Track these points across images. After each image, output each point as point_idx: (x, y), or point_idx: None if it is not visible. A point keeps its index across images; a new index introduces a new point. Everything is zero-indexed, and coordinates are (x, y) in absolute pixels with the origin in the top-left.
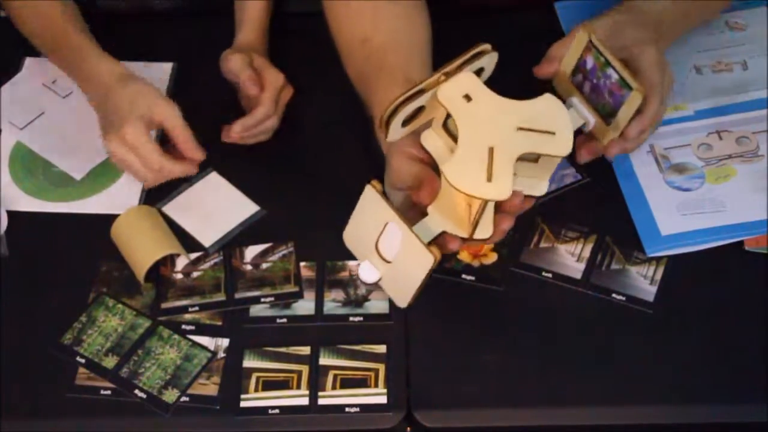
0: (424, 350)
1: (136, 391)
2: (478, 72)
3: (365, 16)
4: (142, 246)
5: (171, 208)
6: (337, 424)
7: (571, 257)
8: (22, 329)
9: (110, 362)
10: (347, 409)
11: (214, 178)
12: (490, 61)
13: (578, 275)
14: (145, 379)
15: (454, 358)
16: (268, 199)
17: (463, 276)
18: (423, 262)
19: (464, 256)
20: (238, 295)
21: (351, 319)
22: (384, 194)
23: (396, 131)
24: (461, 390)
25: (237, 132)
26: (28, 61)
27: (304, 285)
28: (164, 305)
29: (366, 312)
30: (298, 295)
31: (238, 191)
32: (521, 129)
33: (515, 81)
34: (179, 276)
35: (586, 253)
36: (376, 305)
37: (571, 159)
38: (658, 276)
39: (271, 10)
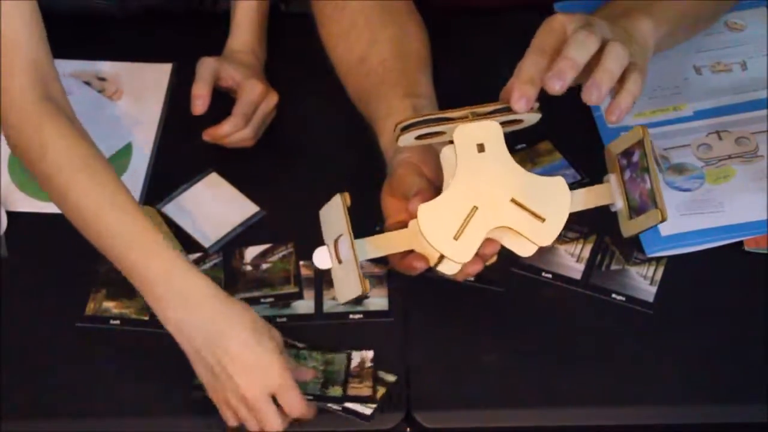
0: (423, 351)
1: None
2: (512, 122)
3: (360, 33)
4: None
5: (171, 209)
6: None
7: (570, 258)
8: (22, 329)
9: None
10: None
11: (214, 179)
12: (530, 118)
13: (578, 276)
14: None
15: (453, 359)
16: (268, 199)
17: None
18: (354, 287)
19: None
20: (238, 296)
21: (351, 316)
22: (348, 209)
23: (408, 140)
24: (461, 390)
25: (206, 138)
26: None
27: (304, 284)
28: None
29: (365, 309)
30: (299, 296)
31: (238, 192)
32: (514, 201)
33: None
34: None
35: (586, 253)
36: (376, 302)
37: (571, 159)
38: (658, 276)
39: (265, 10)
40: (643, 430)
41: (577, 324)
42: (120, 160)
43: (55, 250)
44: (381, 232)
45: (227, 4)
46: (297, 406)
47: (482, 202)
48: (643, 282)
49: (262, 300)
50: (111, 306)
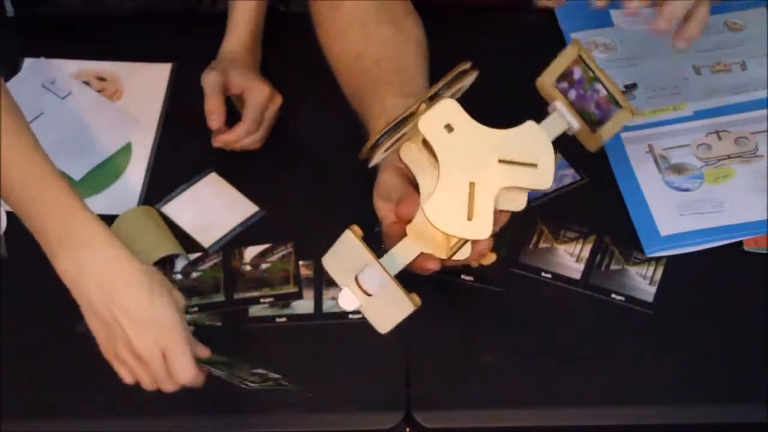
0: (423, 351)
1: None
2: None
3: (355, 32)
4: (141, 247)
5: (170, 209)
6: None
7: (570, 257)
8: (21, 330)
9: None
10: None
11: (213, 179)
12: (471, 80)
13: (577, 275)
14: None
15: (453, 359)
16: (268, 199)
17: (462, 276)
18: (403, 306)
19: None
20: (237, 296)
21: (351, 316)
22: (363, 240)
23: (380, 157)
24: (460, 390)
25: (217, 144)
26: (28, 62)
27: (303, 284)
28: None
29: None
30: (298, 296)
31: (238, 192)
32: (502, 161)
33: (514, 81)
34: (178, 277)
35: (586, 253)
36: None
37: (571, 159)
38: (658, 276)
39: (263, 10)
40: (643, 430)
41: (577, 324)
42: (119, 159)
43: None
44: (381, 233)
45: (226, 5)
46: (185, 368)
47: (476, 176)
48: (642, 282)
49: (262, 300)
50: None
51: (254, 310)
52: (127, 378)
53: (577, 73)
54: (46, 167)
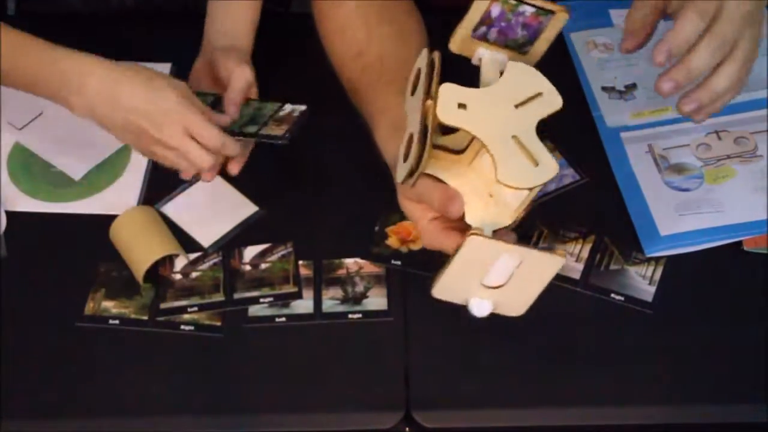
0: (422, 350)
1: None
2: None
3: (358, 30)
4: (141, 246)
5: (170, 209)
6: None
7: (569, 257)
8: (21, 330)
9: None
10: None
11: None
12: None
13: (577, 275)
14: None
15: (452, 359)
16: (267, 199)
17: None
18: (551, 266)
19: None
20: (237, 296)
21: (350, 316)
22: (490, 236)
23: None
24: (460, 390)
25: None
26: None
27: (303, 284)
28: (163, 306)
29: (365, 309)
30: (298, 296)
31: (237, 192)
32: (518, 106)
33: None
34: (178, 276)
35: (585, 253)
36: (375, 302)
37: (571, 159)
38: (657, 276)
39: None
40: (643, 430)
41: (577, 324)
42: (119, 159)
43: (55, 250)
44: (380, 232)
45: None
46: (212, 137)
47: (511, 130)
48: (642, 282)
49: (261, 299)
50: (110, 306)
51: (254, 310)
52: (169, 164)
53: (495, 10)
54: (28, 40)
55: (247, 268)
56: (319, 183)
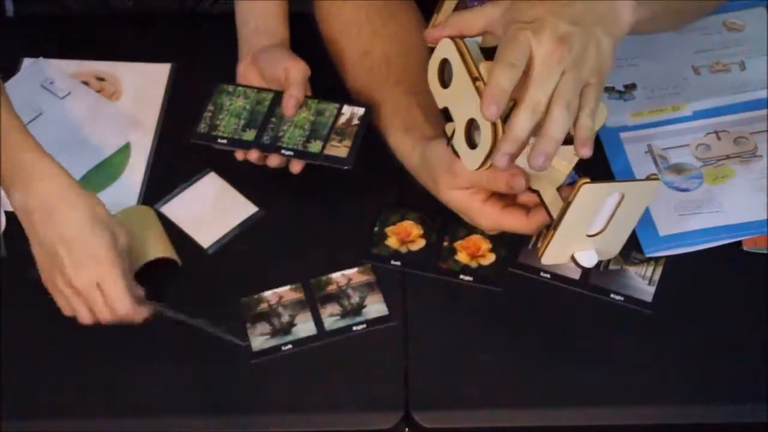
0: (422, 351)
1: (283, 151)
2: None
3: (362, 29)
4: (134, 247)
5: (169, 209)
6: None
7: None
8: (21, 330)
9: (250, 135)
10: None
11: (212, 179)
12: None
13: (576, 275)
14: (286, 139)
15: (452, 359)
16: (267, 199)
17: (461, 276)
18: (650, 193)
19: (462, 257)
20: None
21: (354, 328)
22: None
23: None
24: (460, 390)
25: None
26: (27, 62)
27: (297, 307)
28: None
29: (366, 318)
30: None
31: (237, 192)
32: None
33: None
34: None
35: None
36: (374, 309)
37: None
38: (657, 276)
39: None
40: (643, 430)
41: (576, 324)
42: (118, 159)
43: None
44: (380, 232)
45: (225, 5)
46: (120, 301)
47: None
48: (641, 282)
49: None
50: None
51: (257, 344)
52: (66, 310)
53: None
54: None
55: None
56: (320, 183)
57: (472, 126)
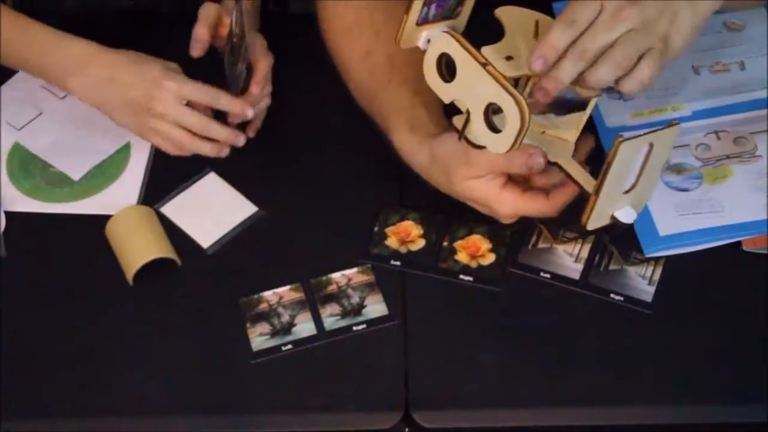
0: (422, 351)
1: None
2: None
3: (365, 29)
4: (133, 248)
5: (169, 209)
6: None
7: (569, 258)
8: (21, 330)
9: None
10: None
11: (212, 179)
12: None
13: (576, 276)
14: None
15: (452, 359)
16: (267, 199)
17: (461, 277)
18: (671, 137)
19: (462, 257)
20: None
21: (354, 328)
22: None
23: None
24: (460, 390)
25: (242, 109)
26: None
27: (297, 307)
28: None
29: (367, 318)
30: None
31: (237, 192)
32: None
33: None
34: None
35: (584, 253)
36: (374, 309)
37: None
38: (657, 276)
39: None
40: (643, 430)
41: (576, 324)
42: (118, 159)
43: (54, 250)
44: (380, 232)
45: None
46: (202, 93)
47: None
48: (641, 282)
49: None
50: None
51: (256, 344)
52: (170, 146)
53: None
54: (35, 25)
55: None
56: (320, 183)
57: (489, 111)
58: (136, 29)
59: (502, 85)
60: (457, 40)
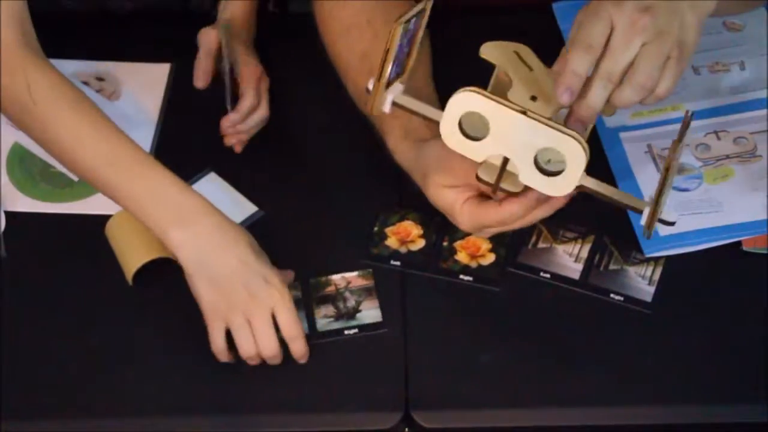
0: (421, 351)
1: None
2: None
3: (363, 31)
4: (133, 248)
5: None
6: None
7: (569, 257)
8: (20, 331)
9: None
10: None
11: (212, 179)
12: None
13: (576, 275)
14: None
15: (452, 359)
16: (267, 199)
17: (461, 276)
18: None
19: (462, 257)
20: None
21: (346, 332)
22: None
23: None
24: (459, 390)
25: (225, 128)
26: None
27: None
28: None
29: (360, 323)
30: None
31: (237, 192)
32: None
33: None
34: None
35: (584, 253)
36: (369, 314)
37: None
38: (656, 276)
39: None
40: (643, 430)
41: (576, 324)
42: None
43: (54, 250)
44: (380, 233)
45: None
46: (293, 324)
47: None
48: (641, 282)
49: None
50: None
51: None
52: (221, 350)
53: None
54: (132, 153)
55: None
56: (320, 183)
57: (538, 155)
58: (136, 29)
59: (557, 129)
60: (484, 95)
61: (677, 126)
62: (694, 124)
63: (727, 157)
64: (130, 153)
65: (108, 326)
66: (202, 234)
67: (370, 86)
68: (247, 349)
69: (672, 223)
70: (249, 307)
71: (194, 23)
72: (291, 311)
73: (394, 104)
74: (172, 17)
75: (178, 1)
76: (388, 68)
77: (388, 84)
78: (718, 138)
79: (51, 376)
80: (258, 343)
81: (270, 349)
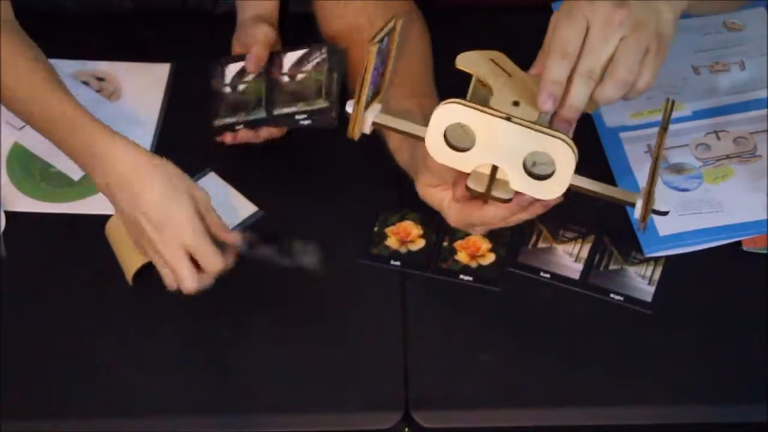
0: (421, 350)
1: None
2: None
3: (363, 32)
4: (132, 248)
5: None
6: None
7: (569, 257)
8: (21, 330)
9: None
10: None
11: (212, 179)
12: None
13: (576, 275)
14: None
15: (452, 359)
16: (267, 199)
17: (461, 276)
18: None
19: (462, 257)
20: (276, 112)
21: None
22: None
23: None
24: (459, 390)
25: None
26: None
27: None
28: (216, 123)
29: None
30: (329, 112)
31: (237, 192)
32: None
33: None
34: (228, 90)
35: (584, 253)
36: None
37: None
38: (656, 276)
39: None
40: (643, 430)
41: (576, 324)
42: None
43: (54, 250)
44: (380, 233)
45: (226, 6)
46: (211, 262)
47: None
48: (641, 282)
49: (297, 115)
50: None
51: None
52: (167, 277)
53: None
54: (73, 110)
55: (286, 79)
56: (320, 183)
57: (526, 160)
58: (136, 29)
59: (543, 132)
60: (467, 105)
61: (677, 125)
62: (694, 124)
63: (727, 157)
64: (68, 110)
65: (108, 326)
66: (118, 181)
67: (349, 109)
68: (168, 283)
69: (665, 213)
70: (159, 247)
71: (195, 23)
72: (206, 252)
73: (375, 124)
74: (172, 17)
75: (178, 1)
76: (365, 90)
77: (367, 105)
78: (718, 138)
79: (51, 376)
80: (176, 278)
81: (187, 284)
